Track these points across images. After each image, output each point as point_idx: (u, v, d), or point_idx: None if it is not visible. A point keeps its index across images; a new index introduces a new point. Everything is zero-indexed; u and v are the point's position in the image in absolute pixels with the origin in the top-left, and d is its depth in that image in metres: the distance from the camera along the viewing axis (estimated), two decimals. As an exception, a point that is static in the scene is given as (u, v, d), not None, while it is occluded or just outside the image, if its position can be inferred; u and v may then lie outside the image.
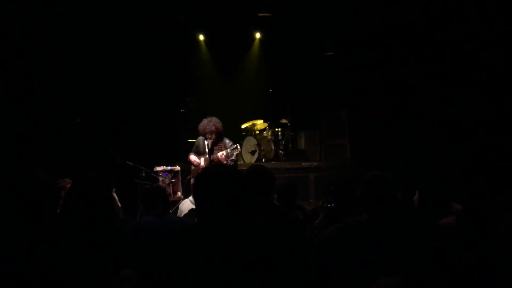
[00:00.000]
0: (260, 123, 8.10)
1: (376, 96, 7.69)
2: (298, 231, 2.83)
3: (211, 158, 5.62)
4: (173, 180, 6.79)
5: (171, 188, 6.72)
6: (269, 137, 7.84)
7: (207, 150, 5.67)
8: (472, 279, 1.78)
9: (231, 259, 1.74)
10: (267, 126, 8.06)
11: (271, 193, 3.08)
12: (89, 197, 2.26)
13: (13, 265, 1.83)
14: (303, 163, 7.37)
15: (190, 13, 8.05)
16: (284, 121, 8.14)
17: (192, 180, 5.91)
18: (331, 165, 7.32)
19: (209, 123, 5.58)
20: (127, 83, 7.59)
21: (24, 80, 6.31)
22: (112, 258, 2.15)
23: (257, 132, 8.03)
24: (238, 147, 5.57)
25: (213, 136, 5.61)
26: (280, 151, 7.88)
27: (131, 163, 6.42)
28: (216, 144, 5.69)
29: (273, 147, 7.73)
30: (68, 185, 3.12)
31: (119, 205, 3.84)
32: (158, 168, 6.79)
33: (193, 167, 5.86)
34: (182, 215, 4.79)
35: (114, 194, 3.90)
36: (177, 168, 6.90)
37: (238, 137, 7.77)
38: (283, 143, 7.99)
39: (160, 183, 6.57)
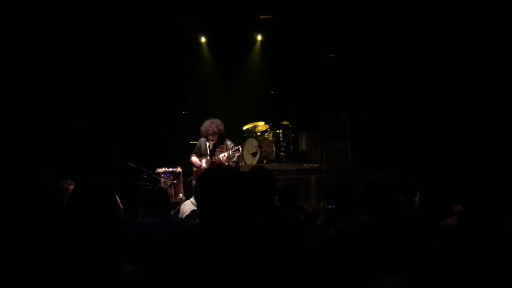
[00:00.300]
0: (261, 125, 8.11)
1: (377, 97, 7.70)
2: (300, 232, 2.83)
3: (213, 160, 5.63)
4: (174, 182, 6.80)
5: (173, 190, 6.73)
6: (270, 138, 7.85)
7: (208, 151, 5.68)
8: (474, 280, 1.79)
9: (233, 260, 1.75)
10: (269, 128, 8.07)
11: (273, 194, 3.08)
12: (92, 199, 2.27)
13: (15, 266, 1.84)
14: (304, 165, 7.37)
15: (191, 15, 8.07)
16: (285, 122, 8.15)
17: (193, 182, 5.92)
18: (332, 167, 7.32)
19: (211, 125, 5.59)
20: (128, 85, 7.62)
21: (27, 82, 6.33)
22: (114, 259, 2.16)
23: (259, 133, 8.03)
24: (240, 148, 5.58)
25: (215, 138, 5.61)
26: (282, 153, 7.89)
27: (133, 165, 6.43)
28: (218, 145, 5.70)
29: (274, 149, 7.73)
30: (71, 187, 3.13)
31: (121, 206, 3.84)
32: (160, 170, 6.80)
33: (194, 169, 5.87)
34: (184, 216, 4.79)
35: (116, 196, 3.91)
36: (179, 169, 6.91)
37: (240, 138, 7.78)
38: (285, 144, 8.00)
39: (162, 185, 6.58)
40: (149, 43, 7.80)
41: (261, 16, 8.34)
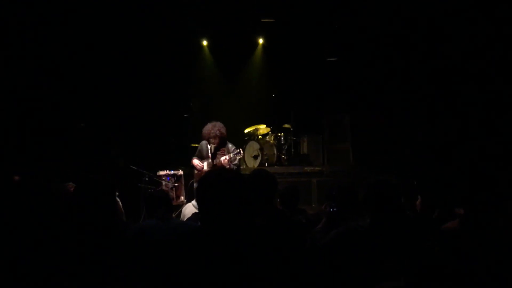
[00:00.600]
0: (263, 128, 8.11)
1: (378, 100, 7.70)
2: (301, 235, 2.83)
3: (214, 163, 5.64)
4: (176, 184, 6.80)
5: (174, 192, 6.73)
6: (271, 141, 7.86)
7: (210, 154, 5.68)
8: (475, 283, 1.78)
9: (234, 262, 1.75)
10: (270, 131, 8.07)
11: (274, 197, 3.08)
12: (92, 201, 2.27)
13: (16, 267, 1.85)
14: (306, 168, 7.37)
15: (193, 18, 8.10)
16: (286, 125, 8.16)
17: (195, 185, 5.92)
18: (333, 170, 7.31)
19: (214, 128, 5.59)
20: (130, 87, 7.64)
21: (29, 84, 6.35)
22: (115, 261, 2.16)
23: (260, 136, 8.04)
24: (241, 151, 5.58)
25: (217, 141, 5.62)
26: (283, 156, 7.89)
27: (135, 167, 6.44)
28: (219, 148, 5.70)
29: (275, 152, 7.73)
30: (72, 189, 3.14)
31: (122, 209, 3.85)
32: (161, 172, 6.81)
33: (196, 171, 5.87)
34: (185, 219, 4.79)
35: (117, 198, 3.92)
36: (180, 172, 6.91)
37: (241, 141, 7.79)
38: (286, 147, 8.00)
39: (163, 187, 6.58)
40: (151, 46, 7.82)
41: (262, 20, 8.36)
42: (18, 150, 6.01)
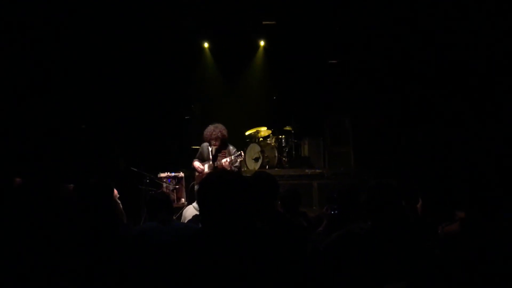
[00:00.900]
0: (264, 130, 8.12)
1: (379, 103, 7.70)
2: (302, 238, 2.83)
3: (215, 165, 5.64)
4: (177, 186, 6.80)
5: (175, 194, 6.73)
6: (272, 144, 7.85)
7: (211, 156, 5.69)
8: (476, 286, 1.78)
9: (235, 265, 1.75)
10: (271, 133, 8.07)
11: (275, 199, 3.08)
12: (90, 203, 2.28)
13: (17, 268, 1.85)
14: (307, 170, 7.37)
15: (195, 20, 8.11)
16: (288, 128, 8.15)
17: (196, 187, 5.92)
18: (334, 172, 7.31)
19: (215, 130, 5.60)
20: (132, 89, 7.65)
21: (30, 87, 6.37)
22: (115, 263, 2.16)
23: (261, 139, 8.04)
24: (242, 154, 5.58)
25: (218, 143, 5.63)
26: (284, 158, 7.89)
27: (136, 169, 6.45)
28: (220, 150, 5.71)
29: (276, 154, 7.73)
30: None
31: (123, 211, 3.85)
32: (162, 174, 6.81)
33: (197, 174, 5.88)
34: (186, 221, 4.80)
35: (118, 200, 3.92)
36: (181, 174, 6.92)
37: (242, 144, 7.79)
38: (287, 150, 8.00)
39: (164, 189, 6.59)
40: (152, 48, 7.83)
41: (264, 22, 8.37)
42: (20, 152, 6.01)
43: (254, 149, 7.83)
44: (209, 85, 9.06)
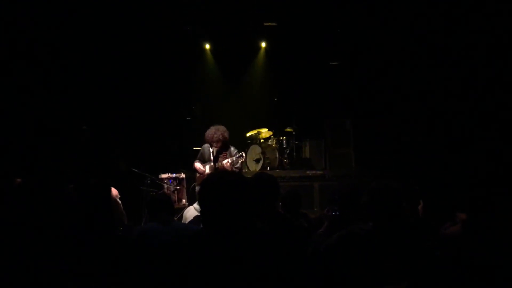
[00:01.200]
0: (265, 132, 8.11)
1: (381, 105, 7.69)
2: (303, 239, 2.83)
3: (216, 166, 5.65)
4: (178, 188, 6.81)
5: (176, 195, 6.74)
6: (273, 145, 7.85)
7: (212, 158, 5.69)
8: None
9: (236, 265, 1.75)
10: (272, 135, 8.07)
11: (276, 201, 3.08)
12: (88, 204, 2.28)
13: (16, 268, 1.85)
14: (308, 172, 7.36)
15: (196, 22, 8.12)
16: (289, 129, 8.15)
17: (197, 188, 5.92)
18: (335, 174, 7.30)
19: (217, 131, 5.62)
20: (133, 91, 7.66)
21: (31, 87, 6.37)
22: (115, 264, 2.16)
23: (262, 140, 8.04)
24: (243, 155, 5.59)
25: (219, 145, 5.64)
26: (285, 160, 7.88)
27: (137, 170, 6.45)
28: (221, 152, 5.72)
29: (277, 156, 7.73)
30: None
31: (124, 211, 3.85)
32: (163, 175, 6.82)
33: (198, 175, 5.88)
34: (187, 222, 4.79)
35: (119, 201, 3.92)
36: (182, 175, 6.92)
37: (243, 145, 7.79)
38: (288, 151, 8.00)
39: (165, 190, 6.59)
40: (154, 49, 7.84)
41: (265, 23, 8.38)
42: (20, 152, 6.02)
43: (255, 151, 7.82)
44: (210, 87, 9.07)
